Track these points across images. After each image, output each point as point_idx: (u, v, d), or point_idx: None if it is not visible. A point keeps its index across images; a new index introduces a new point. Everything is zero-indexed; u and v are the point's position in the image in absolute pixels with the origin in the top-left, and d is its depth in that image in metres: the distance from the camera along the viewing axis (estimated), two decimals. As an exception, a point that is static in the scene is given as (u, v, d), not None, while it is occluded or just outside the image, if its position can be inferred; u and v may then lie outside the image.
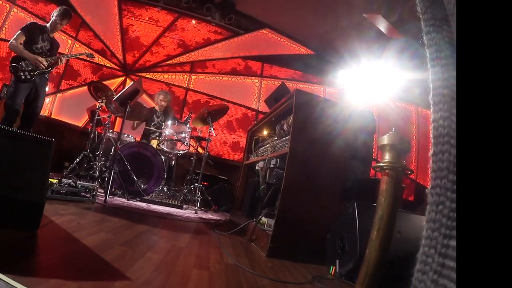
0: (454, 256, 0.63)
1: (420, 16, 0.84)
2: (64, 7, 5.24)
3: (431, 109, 0.76)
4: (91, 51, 5.72)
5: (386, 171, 1.40)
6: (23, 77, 4.70)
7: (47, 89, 7.47)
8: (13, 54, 4.84)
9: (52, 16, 5.11)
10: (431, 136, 0.76)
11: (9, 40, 4.82)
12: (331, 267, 2.63)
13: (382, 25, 6.56)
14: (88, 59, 5.96)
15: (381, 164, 1.41)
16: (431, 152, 0.74)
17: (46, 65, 4.90)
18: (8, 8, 7.88)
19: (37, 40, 4.90)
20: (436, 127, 0.74)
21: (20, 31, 4.85)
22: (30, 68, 4.74)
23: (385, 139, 1.40)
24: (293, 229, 3.00)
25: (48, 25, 5.11)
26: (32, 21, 5.34)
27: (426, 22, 0.82)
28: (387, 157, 1.40)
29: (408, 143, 1.39)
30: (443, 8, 0.81)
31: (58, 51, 5.34)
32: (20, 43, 4.80)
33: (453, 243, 0.64)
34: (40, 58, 4.80)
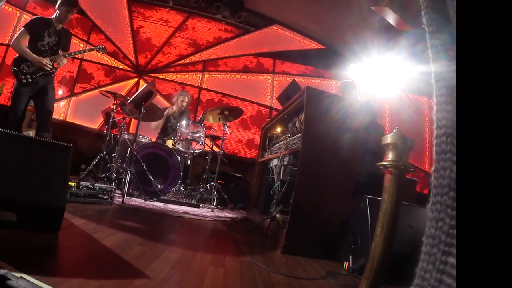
0: (452, 273, 0.65)
1: (426, 28, 0.85)
2: None
3: (435, 126, 0.77)
4: (103, 45, 5.32)
5: (389, 169, 1.44)
6: (25, 80, 4.40)
7: (60, 92, 7.49)
8: (16, 54, 4.49)
9: (57, 7, 4.64)
10: (433, 152, 0.77)
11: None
12: (344, 262, 2.66)
13: (391, 18, 6.51)
14: (100, 53, 5.49)
15: (384, 163, 1.45)
16: (432, 168, 0.76)
17: (50, 67, 4.54)
18: (18, 15, 7.95)
19: (42, 37, 4.56)
20: (438, 144, 0.75)
21: (23, 28, 4.50)
22: (31, 70, 4.43)
23: (388, 138, 1.43)
24: (307, 226, 3.03)
25: (53, 17, 4.67)
26: (36, 16, 4.97)
27: (432, 35, 0.83)
28: (390, 155, 1.43)
29: (410, 141, 1.42)
30: (448, 20, 0.82)
31: (70, 43, 4.97)
32: (25, 43, 4.46)
33: (451, 260, 0.66)
34: (44, 61, 4.45)
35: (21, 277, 1.25)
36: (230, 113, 6.13)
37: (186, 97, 7.05)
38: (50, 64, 4.54)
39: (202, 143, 5.97)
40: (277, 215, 3.54)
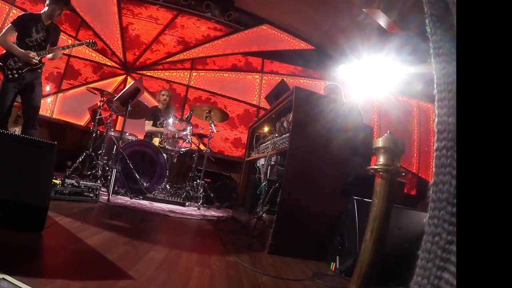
0: None
1: (429, 37, 0.83)
2: None
3: (435, 138, 0.75)
4: (93, 39, 5.25)
5: (380, 173, 1.42)
6: (11, 76, 4.33)
7: (48, 88, 7.41)
8: (2, 50, 4.44)
9: (47, 4, 4.60)
10: (432, 165, 0.75)
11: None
12: (332, 263, 2.66)
13: (382, 20, 6.54)
14: (90, 48, 5.39)
15: (375, 167, 1.43)
16: (431, 182, 0.74)
17: (38, 60, 4.48)
18: (7, 10, 7.83)
19: (30, 32, 4.49)
20: (438, 157, 0.73)
21: (10, 24, 4.44)
22: (18, 66, 4.36)
23: (380, 142, 1.42)
24: (294, 226, 3.03)
25: (42, 12, 4.61)
26: (24, 12, 4.83)
27: (435, 44, 0.82)
28: (381, 159, 1.41)
29: (402, 145, 1.40)
30: (453, 30, 0.80)
31: (58, 38, 4.91)
32: (13, 39, 4.42)
33: (446, 275, 0.65)
34: (31, 54, 4.39)
35: (3, 278, 1.22)
36: (217, 114, 6.15)
37: (165, 91, 7.19)
38: (37, 59, 4.46)
39: (189, 141, 5.93)
40: (264, 215, 3.54)
